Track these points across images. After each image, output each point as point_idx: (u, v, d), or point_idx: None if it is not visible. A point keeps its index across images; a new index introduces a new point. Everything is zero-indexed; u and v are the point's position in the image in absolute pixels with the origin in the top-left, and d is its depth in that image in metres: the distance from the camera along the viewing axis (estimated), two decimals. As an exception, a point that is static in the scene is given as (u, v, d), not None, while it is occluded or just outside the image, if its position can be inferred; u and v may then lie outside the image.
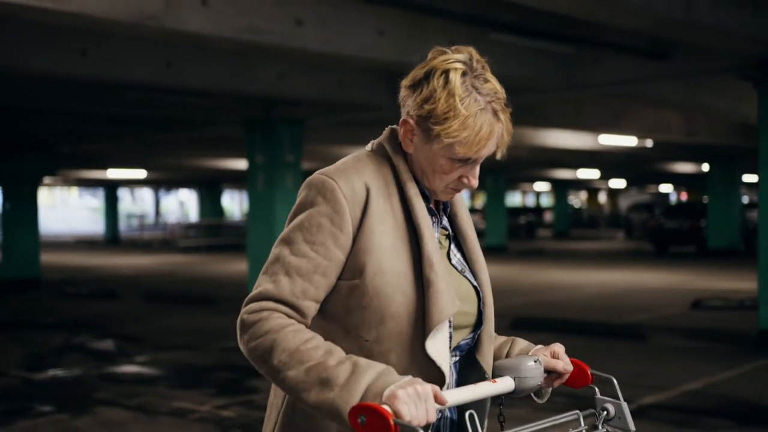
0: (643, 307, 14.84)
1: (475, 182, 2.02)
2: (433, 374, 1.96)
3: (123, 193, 77.12)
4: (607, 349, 10.54)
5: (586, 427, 2.09)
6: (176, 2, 7.52)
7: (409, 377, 1.79)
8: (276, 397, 2.10)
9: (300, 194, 2.03)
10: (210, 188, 42.37)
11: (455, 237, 2.16)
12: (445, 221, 2.14)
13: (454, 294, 1.97)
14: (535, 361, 2.04)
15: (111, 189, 45.08)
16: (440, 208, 2.14)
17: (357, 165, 2.03)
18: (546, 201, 76.06)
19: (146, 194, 73.29)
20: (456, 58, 1.96)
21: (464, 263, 2.14)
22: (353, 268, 1.96)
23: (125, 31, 7.94)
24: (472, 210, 47.67)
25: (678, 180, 47.80)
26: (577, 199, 75.83)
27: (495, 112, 1.96)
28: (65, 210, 74.76)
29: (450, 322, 2.01)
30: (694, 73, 11.04)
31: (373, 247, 1.95)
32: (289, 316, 1.93)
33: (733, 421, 7.29)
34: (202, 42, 8.49)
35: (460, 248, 2.16)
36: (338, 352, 1.87)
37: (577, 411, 2.08)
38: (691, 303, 14.64)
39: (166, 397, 8.47)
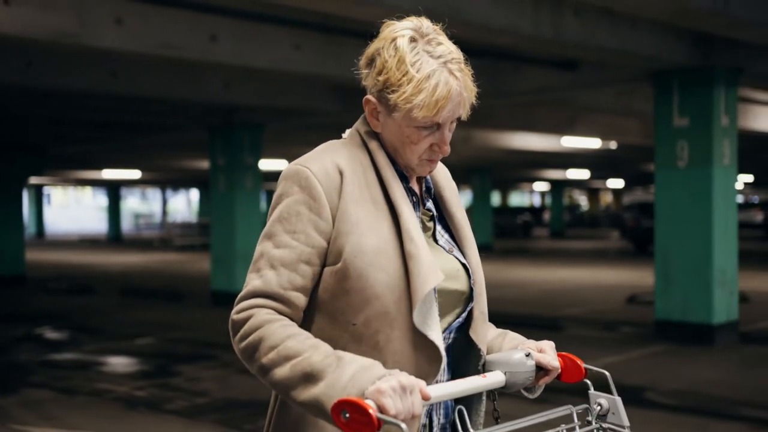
0: (584, 301, 15.56)
1: (446, 148, 2.01)
2: (427, 350, 1.94)
3: (132, 193, 78.25)
4: (518, 339, 11.26)
5: (580, 422, 2.06)
6: (91, 21, 8.33)
7: (395, 371, 1.76)
8: (271, 398, 2.11)
9: (277, 187, 2.02)
10: (208, 188, 43.20)
11: (442, 218, 2.16)
12: (429, 203, 2.14)
13: (437, 265, 1.94)
14: (527, 356, 2.01)
15: (114, 189, 45.99)
16: (422, 189, 2.14)
17: (330, 151, 2.04)
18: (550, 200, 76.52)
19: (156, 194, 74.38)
20: (403, 26, 1.97)
21: (452, 243, 2.13)
22: (334, 253, 1.95)
23: (43, 47, 8.73)
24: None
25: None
26: (582, 199, 76.28)
27: (450, 72, 1.93)
28: (78, 209, 75.90)
29: (436, 297, 1.98)
30: (600, 83, 11.80)
31: (352, 228, 1.94)
32: (279, 311, 1.92)
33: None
34: (119, 57, 9.27)
35: (448, 229, 2.15)
36: (324, 348, 1.84)
37: (570, 406, 2.04)
38: (627, 298, 15.34)
39: (92, 380, 9.28)
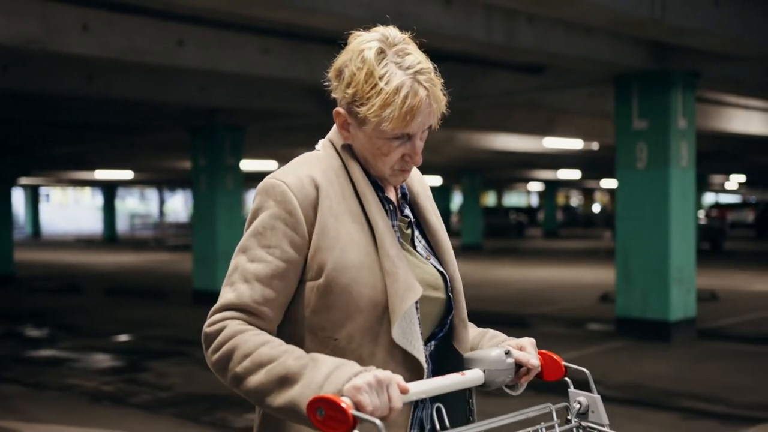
0: (558, 299, 15.84)
1: (418, 159, 1.99)
2: (409, 364, 1.93)
3: (131, 193, 78.58)
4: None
5: (559, 420, 2.04)
6: (56, 27, 8.62)
7: (370, 367, 1.74)
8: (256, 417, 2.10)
9: (253, 202, 2.00)
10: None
11: (418, 224, 2.14)
12: (407, 210, 2.12)
13: (415, 280, 1.94)
14: (506, 353, 1.99)
15: (109, 189, 46.29)
16: (398, 197, 2.12)
17: (305, 164, 2.02)
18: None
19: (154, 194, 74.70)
20: (371, 37, 1.94)
21: (429, 249, 2.12)
22: (314, 268, 1.93)
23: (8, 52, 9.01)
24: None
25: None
26: (577, 199, 76.54)
27: (419, 83, 1.91)
28: (76, 210, 76.20)
29: (417, 309, 1.97)
30: (565, 86, 12.11)
31: (332, 243, 1.92)
32: (251, 323, 1.90)
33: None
34: (85, 62, 9.57)
35: (425, 235, 2.14)
36: (297, 351, 1.83)
37: (549, 404, 2.03)
38: (600, 296, 15.63)
39: (63, 375, 9.56)
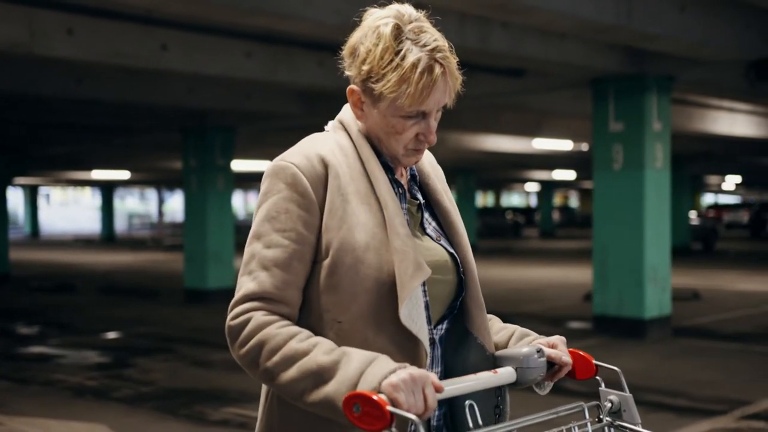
0: (545, 298, 16.08)
1: (432, 138, 1.98)
2: (411, 346, 1.91)
3: (131, 193, 78.91)
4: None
5: (591, 419, 2.02)
6: (41, 32, 8.88)
7: (405, 364, 1.72)
8: (263, 396, 2.07)
9: (262, 186, 1.97)
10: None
11: (429, 206, 2.12)
12: (416, 190, 2.10)
13: (422, 260, 1.91)
14: (538, 352, 1.98)
15: (107, 189, 46.53)
16: (408, 179, 2.10)
17: (314, 144, 2.00)
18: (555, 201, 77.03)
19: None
20: (386, 14, 1.93)
21: (440, 231, 2.09)
22: (322, 248, 1.92)
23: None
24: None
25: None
26: (574, 200, 76.74)
27: (435, 60, 1.89)
28: (77, 209, 76.52)
29: (425, 291, 1.96)
30: (544, 88, 12.36)
31: (339, 224, 1.91)
32: (275, 312, 1.88)
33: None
34: (73, 64, 9.82)
35: (436, 217, 2.12)
36: (327, 344, 1.81)
37: (582, 402, 2.01)
38: (584, 295, 15.86)
39: (49, 371, 9.80)
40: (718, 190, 66.98)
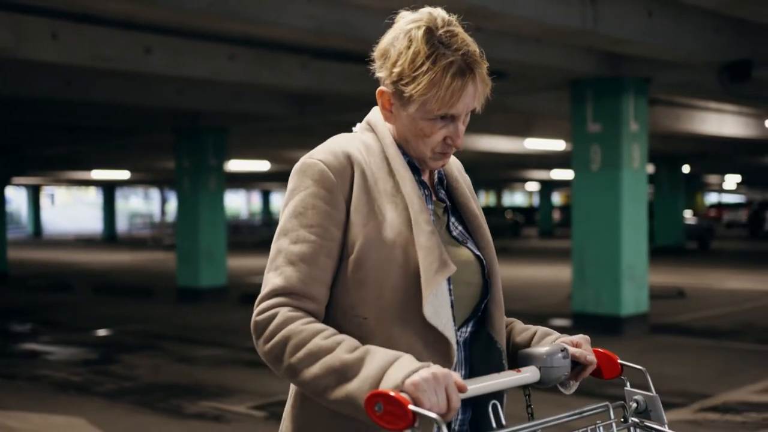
0: (531, 297, 16.29)
1: (459, 142, 1.99)
2: (438, 345, 1.91)
3: (135, 193, 79.23)
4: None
5: (616, 419, 2.01)
6: (27, 36, 9.12)
7: (428, 363, 1.71)
8: (290, 395, 2.06)
9: (289, 183, 1.99)
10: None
11: (455, 210, 2.12)
12: (442, 194, 2.11)
13: (447, 257, 1.91)
14: (562, 351, 1.97)
15: (109, 189, 46.83)
16: (434, 182, 2.11)
17: (341, 143, 2.01)
18: (557, 200, 77.23)
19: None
20: (418, 17, 1.95)
21: (466, 235, 2.09)
22: (348, 245, 1.93)
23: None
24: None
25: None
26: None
27: (466, 64, 1.91)
28: (81, 209, 76.85)
29: (450, 290, 1.95)
30: (525, 90, 12.59)
31: (364, 220, 1.92)
32: (302, 308, 1.88)
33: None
34: (54, 68, 10.07)
35: (462, 221, 2.12)
36: (351, 342, 1.80)
37: (607, 402, 2.00)
38: (569, 294, 16.06)
39: (36, 367, 10.05)
40: (721, 190, 67.15)
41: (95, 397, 8.43)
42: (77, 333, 12.74)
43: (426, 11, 1.96)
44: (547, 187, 48.16)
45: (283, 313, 1.86)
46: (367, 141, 2.03)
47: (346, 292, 1.92)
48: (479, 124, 18.25)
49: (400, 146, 2.03)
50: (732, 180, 52.13)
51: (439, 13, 1.96)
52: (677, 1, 8.50)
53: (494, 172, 39.25)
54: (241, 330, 12.09)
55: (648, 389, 2.05)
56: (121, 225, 56.52)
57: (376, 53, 1.99)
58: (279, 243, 1.94)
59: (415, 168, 2.04)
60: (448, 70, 1.88)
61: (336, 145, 1.99)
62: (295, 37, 8.57)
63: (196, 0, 7.37)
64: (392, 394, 1.60)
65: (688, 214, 32.47)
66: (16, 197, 66.32)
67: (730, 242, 36.62)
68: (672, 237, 29.16)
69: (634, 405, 2.06)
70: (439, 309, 1.89)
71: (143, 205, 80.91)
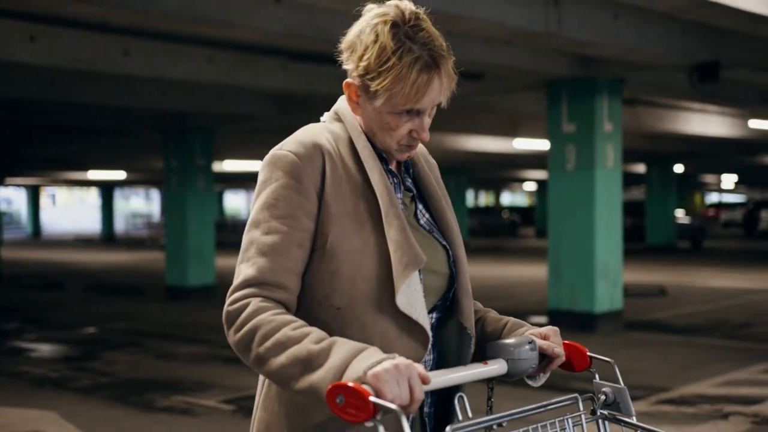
0: (515, 295, 16.47)
1: (425, 135, 1.99)
2: (413, 333, 1.93)
3: (136, 193, 79.43)
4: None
5: (585, 411, 2.01)
6: (5, 39, 9.33)
7: (392, 355, 1.71)
8: (258, 382, 2.09)
9: (260, 175, 2.00)
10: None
11: (422, 197, 2.13)
12: (409, 182, 2.12)
13: (418, 248, 1.94)
14: (530, 343, 1.96)
15: (107, 189, 47.03)
16: (402, 170, 2.12)
17: (311, 134, 2.02)
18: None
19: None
20: (384, 11, 1.95)
21: (432, 223, 2.10)
22: (320, 235, 1.94)
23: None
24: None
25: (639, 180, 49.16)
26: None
27: (432, 59, 1.91)
28: (82, 210, 77.08)
29: (421, 279, 1.97)
30: (501, 91, 12.78)
31: (336, 211, 1.93)
32: (273, 298, 1.90)
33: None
34: (36, 70, 10.26)
35: (429, 209, 2.13)
36: (318, 333, 1.81)
37: (576, 394, 2.01)
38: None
39: (18, 363, 10.24)
40: (722, 189, 67.26)
41: (70, 392, 8.61)
42: (63, 331, 12.93)
43: (393, 4, 1.96)
44: (544, 186, 48.28)
45: (255, 303, 1.87)
46: (335, 131, 2.04)
47: (319, 282, 1.94)
48: (466, 124, 18.43)
49: (367, 136, 2.04)
50: (729, 179, 52.25)
51: (407, 6, 1.96)
52: (639, 6, 8.64)
53: (488, 172, 39.41)
54: (222, 327, 12.25)
55: (616, 381, 2.05)
56: (122, 225, 56.70)
57: (343, 45, 2.00)
58: (251, 234, 1.95)
59: (383, 157, 2.05)
60: (413, 65, 1.89)
61: (305, 136, 2.00)
62: (264, 39, 8.75)
63: (165, 4, 7.54)
64: (354, 386, 1.60)
65: (680, 214, 32.55)
66: (17, 198, 66.60)
67: (725, 241, 36.75)
68: (663, 236, 29.31)
69: (603, 397, 2.06)
70: (411, 298, 1.91)
71: (144, 205, 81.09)
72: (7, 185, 41.02)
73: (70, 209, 78.44)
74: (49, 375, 9.50)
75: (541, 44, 9.41)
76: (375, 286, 1.92)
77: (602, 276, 11.59)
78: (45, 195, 76.00)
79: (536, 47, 10.15)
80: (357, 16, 1.98)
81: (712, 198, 72.77)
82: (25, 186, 50.24)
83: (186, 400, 8.14)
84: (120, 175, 34.37)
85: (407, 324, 1.91)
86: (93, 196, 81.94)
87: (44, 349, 11.38)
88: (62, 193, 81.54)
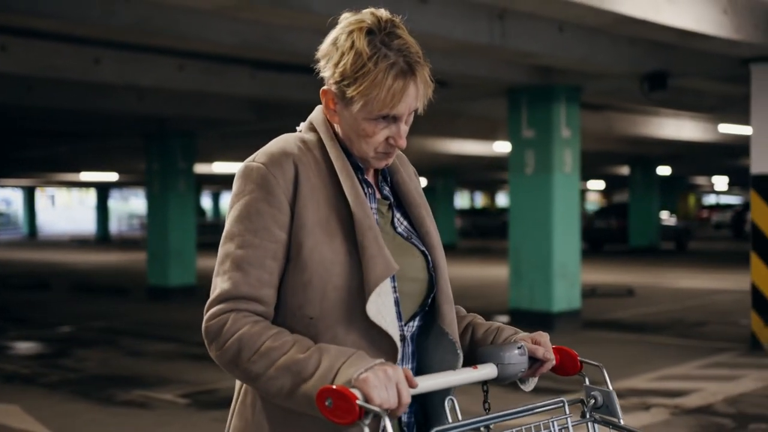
0: (490, 295, 16.82)
1: (402, 142, 1.99)
2: (382, 342, 1.94)
3: (135, 194, 79.80)
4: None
5: (572, 414, 2.03)
6: (-23, 49, 9.74)
7: (381, 360, 1.77)
8: (236, 391, 2.08)
9: (234, 187, 2.00)
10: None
11: (400, 205, 2.14)
12: (386, 191, 2.12)
13: (390, 257, 1.94)
14: (519, 348, 2.00)
15: (102, 190, 47.40)
16: (379, 179, 2.12)
17: (283, 145, 2.01)
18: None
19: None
20: (359, 18, 1.95)
21: (411, 230, 2.11)
22: (293, 246, 1.95)
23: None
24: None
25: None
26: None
27: (407, 65, 1.92)
28: (79, 210, 77.45)
29: (394, 288, 1.99)
30: (466, 97, 13.19)
31: (308, 222, 1.94)
32: (251, 311, 1.91)
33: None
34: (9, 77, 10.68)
35: (407, 216, 2.13)
36: (305, 342, 1.85)
37: (563, 398, 2.04)
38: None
39: (-5, 361, 10.65)
40: (716, 192, 67.57)
41: (36, 388, 8.98)
42: (41, 329, 13.30)
43: (368, 12, 1.98)
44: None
45: (234, 317, 1.88)
46: (309, 140, 2.04)
47: (293, 293, 1.95)
48: (445, 128, 18.80)
49: (343, 146, 2.04)
50: (721, 181, 52.55)
51: (382, 13, 1.97)
52: (576, 22, 8.97)
53: (478, 174, 39.75)
54: (197, 326, 12.63)
55: (605, 385, 2.07)
56: (120, 226, 57.04)
57: (320, 53, 2.00)
58: (226, 247, 1.95)
59: (358, 167, 2.05)
60: (389, 71, 1.89)
61: (277, 147, 2.00)
62: (221, 50, 9.14)
63: (122, 18, 7.94)
64: (341, 389, 1.66)
65: (665, 215, 32.91)
66: (14, 199, 67.03)
67: (713, 243, 37.08)
68: (646, 238, 29.68)
69: (593, 401, 2.08)
70: (382, 307, 1.91)
71: (143, 206, 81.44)
72: (17, 187, 41.34)
73: (69, 210, 78.86)
74: (20, 371, 9.88)
75: (490, 55, 9.79)
76: (346, 296, 1.93)
77: (560, 276, 11.98)
78: (44, 196, 76.46)
79: (486, 58, 10.52)
80: (333, 24, 1.99)
81: (710, 200, 73.07)
82: (21, 187, 50.62)
83: (145, 394, 8.51)
84: (112, 176, 34.72)
85: (378, 333, 1.93)
86: (92, 197, 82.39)
87: (20, 346, 11.76)
88: (61, 194, 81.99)
